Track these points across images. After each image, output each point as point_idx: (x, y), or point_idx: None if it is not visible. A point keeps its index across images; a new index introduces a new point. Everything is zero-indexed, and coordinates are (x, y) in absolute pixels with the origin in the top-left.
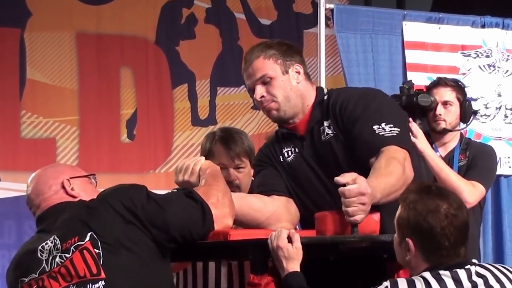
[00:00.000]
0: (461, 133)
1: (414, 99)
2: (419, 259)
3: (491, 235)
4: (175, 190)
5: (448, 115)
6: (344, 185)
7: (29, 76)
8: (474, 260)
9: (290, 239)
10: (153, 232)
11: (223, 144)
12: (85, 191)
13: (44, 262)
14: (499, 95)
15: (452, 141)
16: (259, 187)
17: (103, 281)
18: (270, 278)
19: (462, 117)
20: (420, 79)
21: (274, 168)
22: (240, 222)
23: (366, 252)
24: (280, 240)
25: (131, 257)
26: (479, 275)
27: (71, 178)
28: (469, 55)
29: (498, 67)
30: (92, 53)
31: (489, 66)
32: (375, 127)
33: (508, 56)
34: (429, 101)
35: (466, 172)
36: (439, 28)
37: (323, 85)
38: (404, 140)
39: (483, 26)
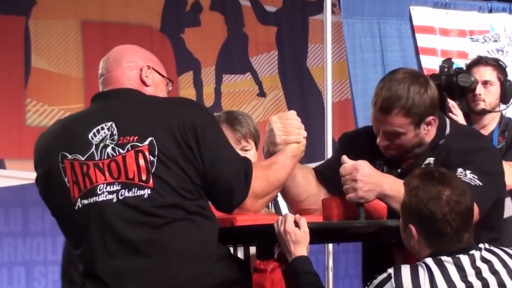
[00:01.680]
0: (501, 114)
1: (454, 79)
2: (422, 245)
3: None
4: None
5: (488, 95)
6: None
7: (34, 64)
8: (481, 245)
9: (297, 224)
10: (205, 171)
11: (229, 125)
12: (156, 87)
13: (94, 147)
14: None
15: (491, 123)
16: (321, 165)
17: (149, 190)
18: (276, 263)
19: (502, 98)
20: (432, 63)
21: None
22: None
23: (373, 237)
24: (287, 224)
25: (181, 176)
26: (484, 260)
27: (153, 68)
28: (477, 40)
29: (506, 52)
30: (97, 41)
31: (498, 50)
32: (459, 169)
33: None
34: (469, 81)
35: (504, 154)
36: (446, 13)
37: (329, 71)
38: (478, 195)
39: (490, 11)
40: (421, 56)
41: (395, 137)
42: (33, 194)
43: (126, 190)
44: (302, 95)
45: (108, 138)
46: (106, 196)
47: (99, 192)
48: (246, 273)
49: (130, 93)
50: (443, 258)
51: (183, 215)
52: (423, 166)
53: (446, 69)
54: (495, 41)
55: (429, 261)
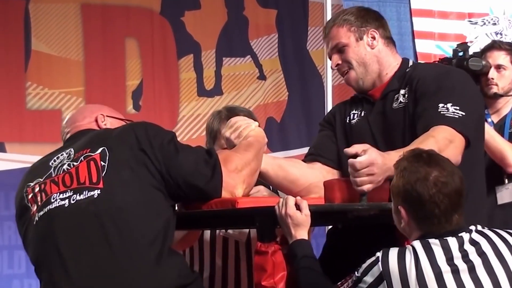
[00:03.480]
0: None
1: (465, 63)
2: (412, 227)
3: None
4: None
5: (501, 79)
6: (354, 156)
7: (34, 47)
8: (472, 227)
9: (298, 207)
10: (162, 168)
11: None
12: None
13: (52, 168)
14: None
15: (505, 107)
16: (311, 149)
17: (98, 190)
18: (277, 246)
19: None
20: (428, 47)
21: (333, 131)
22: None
23: (375, 220)
24: (288, 207)
25: (133, 178)
26: (472, 242)
27: (107, 115)
28: (476, 23)
29: (505, 35)
30: (97, 24)
31: (496, 33)
32: (440, 104)
33: None
34: (480, 65)
35: None
36: None
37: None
38: (464, 125)
39: None
40: (417, 40)
41: (342, 52)
42: None
43: (78, 194)
44: (302, 78)
45: (65, 158)
46: (58, 203)
47: (52, 201)
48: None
49: (89, 130)
50: (431, 240)
51: (134, 213)
52: (396, 99)
53: (460, 53)
54: (494, 24)
55: (417, 243)
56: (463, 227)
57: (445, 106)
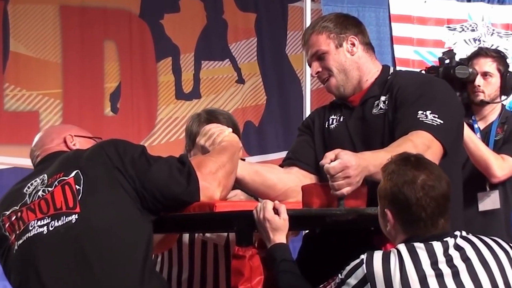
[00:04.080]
0: (502, 106)
1: (451, 71)
2: (398, 230)
3: None
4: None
5: (487, 86)
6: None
7: (12, 48)
8: (457, 232)
9: (276, 211)
10: (136, 184)
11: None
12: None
13: (27, 196)
14: None
15: (491, 114)
16: (289, 153)
17: (76, 215)
18: (255, 250)
19: (503, 89)
20: (406, 53)
21: (311, 136)
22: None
23: (353, 225)
24: (267, 212)
25: (109, 198)
26: (457, 247)
27: (75, 135)
28: (454, 29)
29: (484, 41)
30: (76, 26)
31: (475, 40)
32: (419, 111)
33: (493, 30)
34: (467, 73)
35: (500, 147)
36: (425, 1)
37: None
38: (442, 132)
39: (468, 0)
40: (395, 46)
41: (322, 59)
42: (11, 179)
43: (55, 220)
44: (281, 82)
45: (40, 184)
46: (37, 230)
47: (30, 228)
48: None
49: (60, 153)
50: (416, 244)
51: (113, 235)
52: (376, 105)
53: (447, 61)
54: (473, 30)
55: (402, 247)
56: (448, 231)
57: (424, 113)
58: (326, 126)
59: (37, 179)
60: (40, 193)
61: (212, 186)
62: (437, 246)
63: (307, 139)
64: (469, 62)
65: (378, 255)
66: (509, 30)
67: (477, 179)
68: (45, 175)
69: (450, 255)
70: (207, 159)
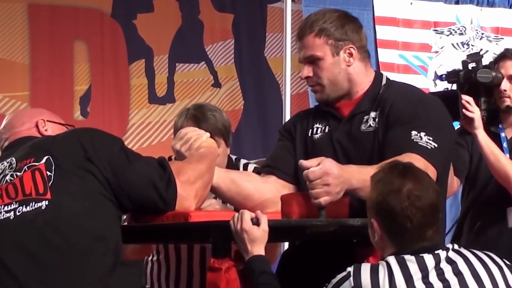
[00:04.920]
0: None
1: (473, 75)
2: (385, 241)
3: None
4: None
5: None
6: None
7: None
8: (449, 245)
9: (256, 221)
10: (111, 180)
11: (194, 122)
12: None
13: None
14: None
15: None
16: (268, 160)
17: (46, 201)
18: (231, 262)
19: None
20: (391, 57)
21: (292, 143)
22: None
23: (334, 236)
24: (244, 222)
25: (81, 187)
26: (449, 261)
27: (48, 121)
28: (442, 32)
29: (472, 45)
30: (44, 25)
31: (463, 44)
32: (413, 132)
33: (483, 34)
34: (490, 77)
35: None
36: (411, 3)
37: (288, 62)
38: (435, 157)
39: (457, 2)
40: (379, 50)
41: (315, 64)
42: None
43: (24, 206)
44: (259, 86)
45: (7, 168)
46: (3, 215)
47: None
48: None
49: (30, 138)
50: (406, 257)
51: (85, 223)
52: (366, 122)
53: (472, 65)
54: (461, 33)
55: (391, 259)
56: (439, 244)
57: (418, 134)
58: (310, 134)
59: (5, 162)
60: (8, 177)
61: (189, 196)
62: (428, 259)
63: (287, 145)
64: (495, 65)
65: (366, 267)
66: (499, 34)
67: (507, 193)
68: (13, 159)
69: (442, 269)
70: (187, 167)
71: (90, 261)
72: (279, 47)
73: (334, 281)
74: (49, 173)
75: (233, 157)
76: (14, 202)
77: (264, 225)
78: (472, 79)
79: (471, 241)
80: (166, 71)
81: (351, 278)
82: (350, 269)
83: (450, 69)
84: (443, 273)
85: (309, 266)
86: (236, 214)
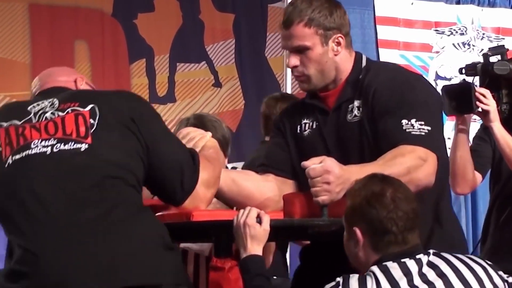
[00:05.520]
0: None
1: (490, 67)
2: (368, 249)
3: None
4: None
5: None
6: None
7: None
8: (430, 250)
9: (259, 220)
10: (149, 147)
11: None
12: None
13: (32, 114)
14: None
15: None
16: (263, 158)
17: (86, 145)
18: (234, 262)
19: None
20: (391, 57)
21: (283, 138)
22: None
23: (336, 236)
24: (249, 218)
25: (122, 142)
26: (431, 265)
27: (86, 82)
28: (442, 33)
29: (473, 45)
30: (45, 25)
31: (464, 44)
32: (403, 121)
33: (484, 34)
34: (507, 69)
35: None
36: (412, 3)
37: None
38: (431, 141)
39: (458, 2)
40: (380, 49)
41: (303, 54)
42: None
43: (62, 143)
44: (260, 86)
45: (48, 106)
46: (40, 150)
47: (32, 146)
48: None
49: (68, 89)
50: (389, 264)
51: (119, 175)
52: (351, 111)
53: (492, 58)
54: (462, 34)
55: (375, 269)
56: (419, 248)
57: (409, 122)
58: (299, 131)
59: (45, 101)
60: (48, 114)
61: (204, 199)
62: (411, 264)
63: (280, 142)
64: None
65: (354, 279)
66: (500, 34)
67: None
68: (56, 100)
69: (425, 274)
70: (211, 166)
71: (118, 209)
72: (279, 47)
73: None
74: (92, 121)
75: (229, 166)
76: (52, 138)
77: (266, 225)
78: (489, 71)
79: (497, 234)
80: (167, 70)
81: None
82: (339, 279)
83: (469, 62)
84: (426, 277)
85: (328, 261)
86: (242, 209)
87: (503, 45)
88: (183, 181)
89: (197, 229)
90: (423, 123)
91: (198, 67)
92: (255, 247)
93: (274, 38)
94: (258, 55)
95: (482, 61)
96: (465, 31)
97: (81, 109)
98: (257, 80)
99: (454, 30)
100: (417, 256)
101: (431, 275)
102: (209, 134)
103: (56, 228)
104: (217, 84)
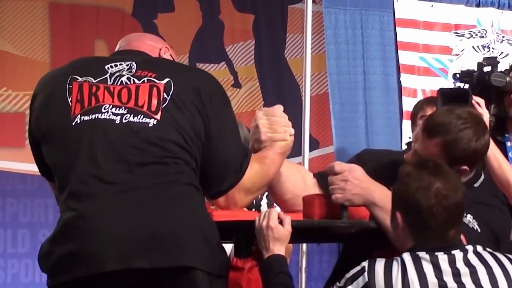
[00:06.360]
0: None
1: (487, 77)
2: (406, 235)
3: None
4: None
5: None
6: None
7: None
8: (470, 247)
9: (280, 222)
10: (210, 131)
11: None
12: None
13: (108, 74)
14: None
15: None
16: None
17: (155, 121)
18: (254, 262)
19: None
20: (411, 59)
21: None
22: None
23: (354, 239)
24: (271, 220)
25: (189, 122)
26: (467, 263)
27: (171, 54)
28: (462, 35)
29: (493, 48)
30: (65, 24)
31: (484, 47)
32: None
33: (504, 37)
34: (504, 82)
35: None
36: (432, 6)
37: (308, 63)
38: (473, 240)
39: (477, 5)
40: (400, 52)
41: None
42: None
43: (132, 115)
44: (279, 87)
45: (126, 70)
46: (109, 116)
47: (103, 111)
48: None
49: (149, 55)
50: (420, 254)
51: (181, 156)
52: None
53: (486, 68)
54: (482, 36)
55: (406, 256)
56: (457, 244)
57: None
58: None
59: (123, 63)
60: (124, 79)
61: (238, 204)
62: (442, 258)
63: None
64: (510, 71)
65: (380, 263)
66: None
67: None
68: (134, 64)
69: (458, 269)
70: (260, 171)
71: (176, 187)
72: (299, 48)
73: (348, 275)
74: (165, 96)
75: None
76: (123, 107)
77: (288, 226)
78: (485, 81)
79: None
80: None
81: (366, 273)
82: (365, 264)
83: (464, 69)
84: (459, 274)
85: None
86: (263, 211)
87: (496, 57)
88: (224, 180)
89: (218, 229)
90: (476, 223)
91: (217, 67)
92: (278, 248)
93: (293, 39)
94: (277, 56)
95: (476, 69)
96: (485, 34)
97: (157, 81)
98: (276, 81)
99: (474, 32)
100: (452, 252)
101: (464, 274)
102: (292, 131)
103: (111, 197)
104: (237, 84)
